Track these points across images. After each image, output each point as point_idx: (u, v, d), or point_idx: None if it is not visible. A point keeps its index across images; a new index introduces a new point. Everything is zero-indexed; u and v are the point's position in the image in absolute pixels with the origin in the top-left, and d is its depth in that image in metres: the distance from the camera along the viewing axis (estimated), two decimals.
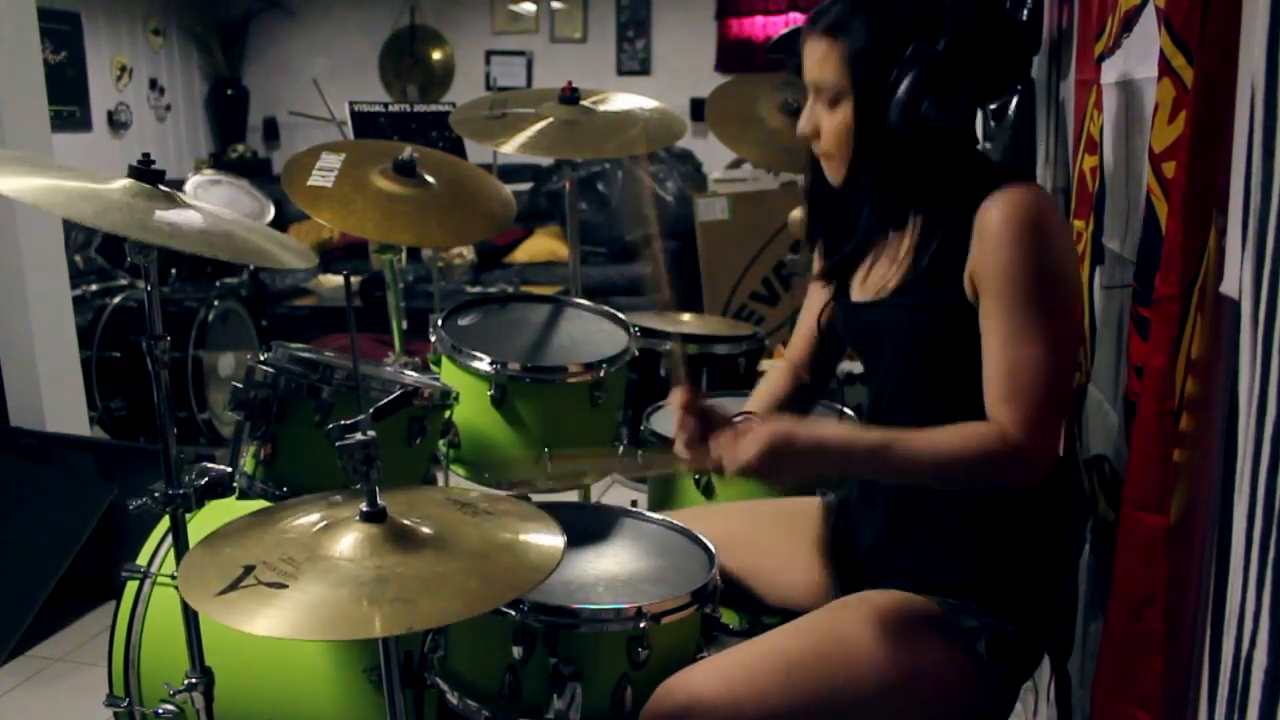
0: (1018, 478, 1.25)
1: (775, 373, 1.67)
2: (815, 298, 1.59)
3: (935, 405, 1.37)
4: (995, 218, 1.26)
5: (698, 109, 5.58)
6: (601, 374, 1.84)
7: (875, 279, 1.42)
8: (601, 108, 2.28)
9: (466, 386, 1.81)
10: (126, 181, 1.37)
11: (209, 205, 1.45)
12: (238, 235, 1.39)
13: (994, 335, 1.26)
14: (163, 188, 1.39)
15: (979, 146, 1.43)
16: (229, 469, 1.65)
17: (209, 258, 4.07)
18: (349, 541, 1.11)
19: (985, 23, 1.27)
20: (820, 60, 1.32)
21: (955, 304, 1.31)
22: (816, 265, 1.55)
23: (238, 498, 1.67)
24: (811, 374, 1.65)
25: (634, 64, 6.47)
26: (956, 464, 1.24)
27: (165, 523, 1.78)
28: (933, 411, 1.37)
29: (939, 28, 1.25)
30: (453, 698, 1.35)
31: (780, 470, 1.23)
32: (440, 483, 2.07)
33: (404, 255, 3.21)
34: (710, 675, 1.29)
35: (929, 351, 1.37)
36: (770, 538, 1.60)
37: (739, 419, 1.54)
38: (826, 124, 1.35)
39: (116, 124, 6.14)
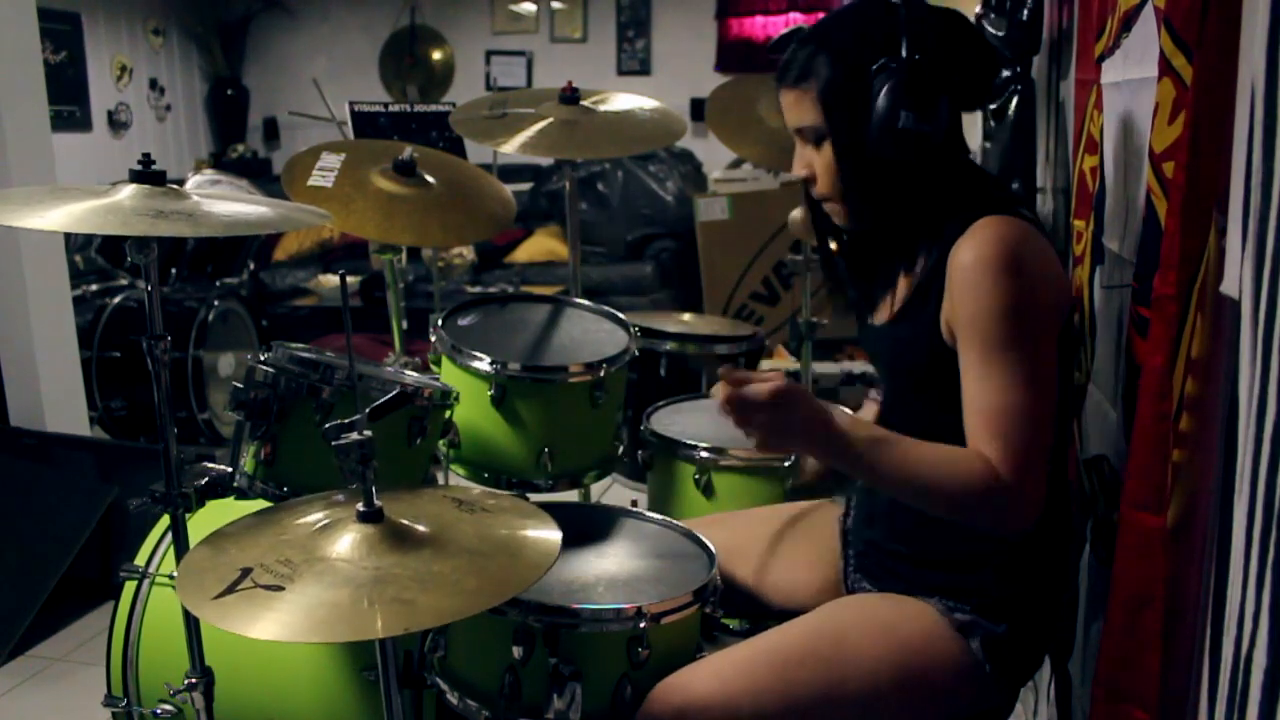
0: (1001, 517, 1.22)
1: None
2: None
3: (927, 433, 1.37)
4: (966, 260, 1.25)
5: (698, 109, 5.58)
6: (602, 374, 1.84)
7: (887, 303, 1.43)
8: (601, 108, 2.28)
9: (466, 386, 1.80)
10: (133, 187, 1.37)
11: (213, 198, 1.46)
12: (258, 212, 1.42)
13: (972, 380, 1.25)
14: (172, 186, 1.40)
15: (975, 151, 1.43)
16: (229, 469, 1.65)
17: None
18: (346, 542, 1.11)
19: (944, 30, 1.29)
20: (794, 108, 1.35)
21: (932, 342, 1.31)
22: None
23: (237, 498, 1.67)
24: None
25: (634, 64, 6.47)
26: (943, 483, 1.21)
27: (163, 523, 1.78)
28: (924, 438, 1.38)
29: (898, 42, 1.26)
30: (452, 698, 1.35)
31: (786, 424, 1.21)
32: (440, 483, 2.07)
33: (404, 255, 3.21)
34: (705, 676, 1.29)
35: (917, 379, 1.38)
36: (776, 543, 1.60)
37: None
38: (818, 163, 1.36)
39: (116, 124, 6.14)
